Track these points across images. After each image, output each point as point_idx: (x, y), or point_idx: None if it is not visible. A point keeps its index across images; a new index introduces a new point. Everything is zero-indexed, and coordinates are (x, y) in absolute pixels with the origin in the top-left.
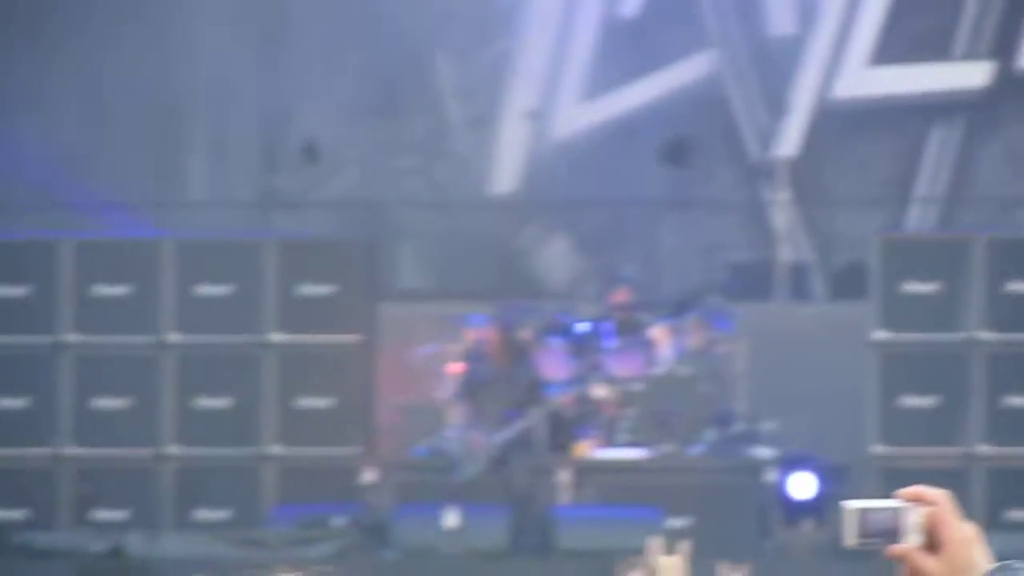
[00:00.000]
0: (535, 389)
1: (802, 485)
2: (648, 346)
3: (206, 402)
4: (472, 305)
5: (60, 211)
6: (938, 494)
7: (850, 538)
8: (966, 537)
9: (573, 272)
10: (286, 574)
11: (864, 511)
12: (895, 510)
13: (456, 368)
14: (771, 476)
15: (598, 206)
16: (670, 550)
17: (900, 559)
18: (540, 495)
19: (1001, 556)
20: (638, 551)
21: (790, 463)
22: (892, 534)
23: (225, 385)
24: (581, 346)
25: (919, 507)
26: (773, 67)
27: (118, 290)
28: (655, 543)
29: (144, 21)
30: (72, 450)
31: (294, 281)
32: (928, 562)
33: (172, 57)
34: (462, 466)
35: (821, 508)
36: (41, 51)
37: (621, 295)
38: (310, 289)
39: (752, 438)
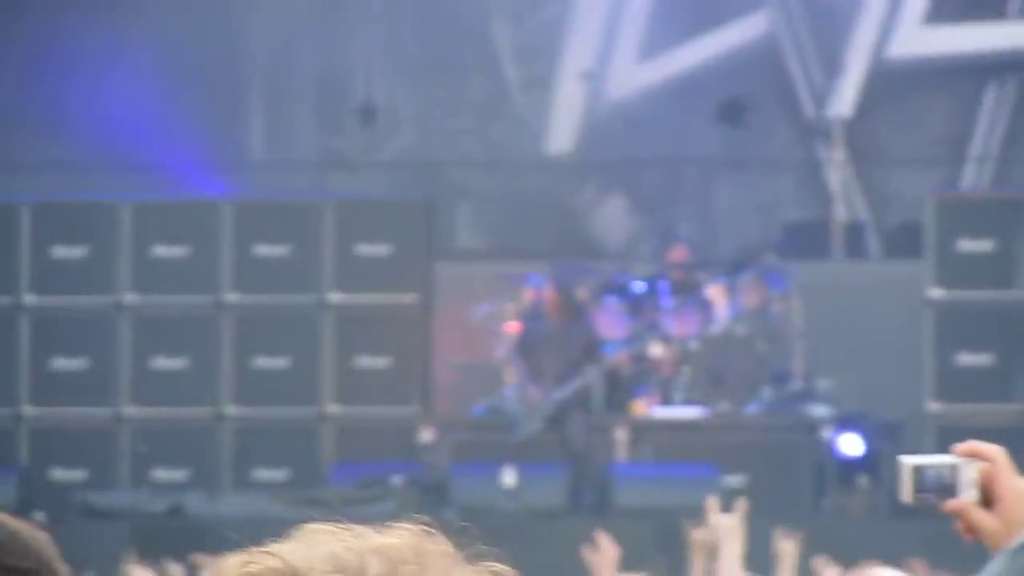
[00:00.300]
0: (592, 348)
1: (855, 443)
2: (704, 305)
3: (264, 362)
4: (529, 264)
5: (122, 173)
6: (994, 450)
7: (906, 494)
8: (1021, 492)
9: (629, 231)
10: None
11: (920, 467)
12: (951, 466)
13: (513, 327)
14: (827, 434)
15: (654, 166)
16: (727, 508)
17: (956, 514)
18: (597, 454)
19: None
20: (694, 509)
21: (846, 421)
22: (948, 489)
23: (283, 345)
24: (637, 305)
25: (975, 463)
26: (828, 26)
27: (176, 251)
28: (712, 502)
29: None
30: (131, 410)
31: (351, 241)
32: (984, 517)
33: (232, 20)
34: (519, 425)
35: (876, 466)
36: (114, 16)
37: (677, 254)
38: (367, 249)
39: (808, 396)
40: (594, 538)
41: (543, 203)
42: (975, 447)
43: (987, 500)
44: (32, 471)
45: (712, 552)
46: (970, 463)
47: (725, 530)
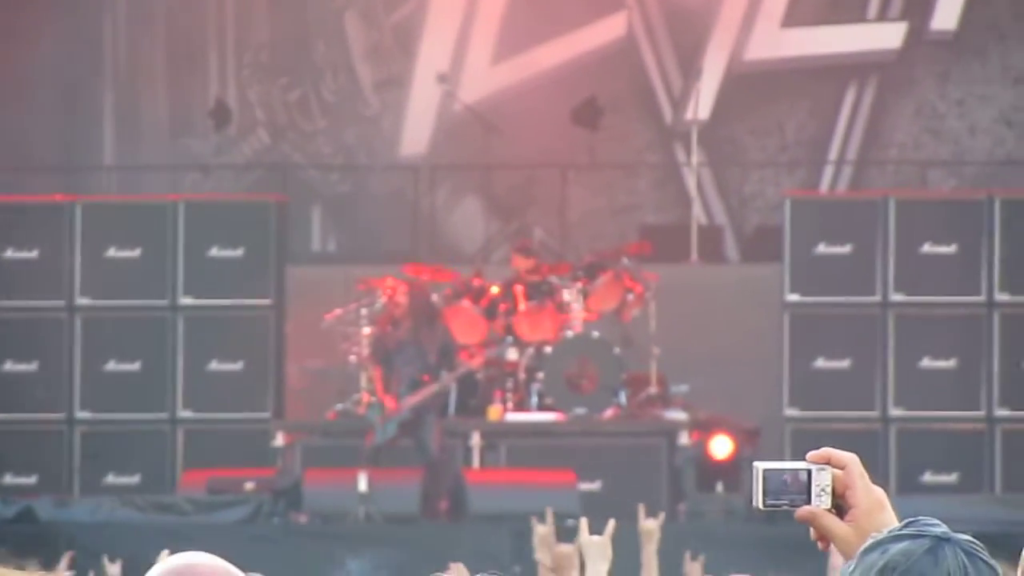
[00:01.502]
0: (446, 353)
1: (716, 448)
2: (560, 308)
3: (115, 366)
4: (383, 268)
5: None
6: (847, 457)
7: (759, 499)
8: (874, 500)
9: (484, 234)
10: None
11: (773, 473)
12: (804, 472)
13: (367, 331)
14: (684, 439)
15: (509, 168)
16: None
17: (808, 521)
18: (452, 459)
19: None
20: (550, 514)
21: (703, 425)
22: (801, 496)
23: (134, 349)
24: (492, 309)
25: (828, 469)
26: (686, 28)
27: (27, 254)
28: (584, 523)
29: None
30: None
31: (202, 244)
32: (836, 524)
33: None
34: (374, 430)
35: (735, 471)
36: None
37: (533, 257)
38: (218, 252)
39: (665, 401)
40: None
41: (397, 206)
42: (828, 454)
43: (840, 507)
44: None
45: (568, 569)
46: (823, 470)
47: (594, 551)
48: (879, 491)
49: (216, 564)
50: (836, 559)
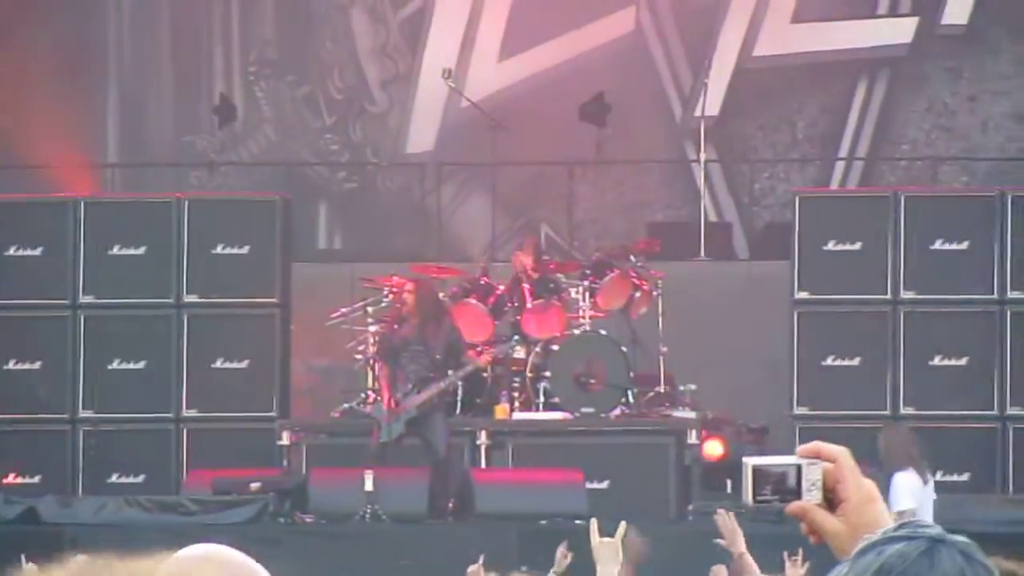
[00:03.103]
0: (454, 351)
1: (716, 447)
2: (567, 306)
3: (119, 365)
4: (389, 266)
5: None
6: (837, 451)
7: (749, 495)
8: (865, 494)
9: (491, 232)
10: None
11: (762, 468)
12: (795, 467)
13: (373, 330)
14: (693, 438)
15: (517, 165)
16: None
17: (799, 516)
18: (459, 458)
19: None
20: (556, 516)
21: (712, 424)
22: (791, 491)
23: (138, 348)
24: (499, 307)
25: (819, 464)
26: (695, 24)
27: (30, 252)
28: (594, 524)
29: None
30: None
31: (208, 242)
32: (828, 519)
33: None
34: (381, 429)
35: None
36: None
37: (542, 255)
38: (224, 249)
39: (673, 399)
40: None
41: (404, 203)
42: (818, 448)
43: (831, 502)
44: None
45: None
46: (814, 464)
47: (605, 552)
48: (870, 485)
49: (232, 555)
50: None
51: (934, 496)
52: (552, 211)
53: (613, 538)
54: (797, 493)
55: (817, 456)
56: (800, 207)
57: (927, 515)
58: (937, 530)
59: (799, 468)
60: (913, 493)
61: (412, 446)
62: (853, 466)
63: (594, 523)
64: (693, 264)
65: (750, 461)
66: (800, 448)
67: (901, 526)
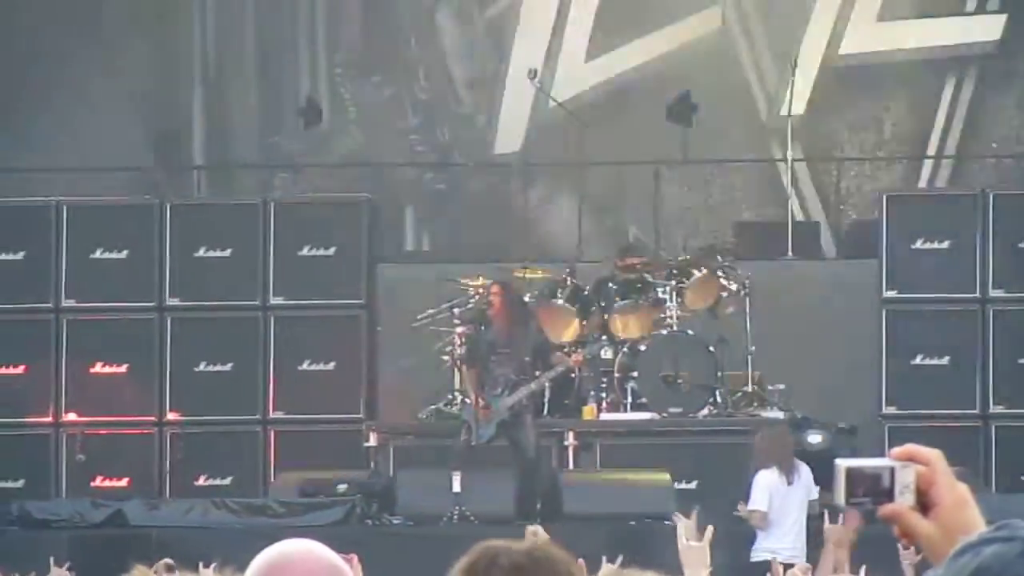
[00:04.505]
0: (541, 352)
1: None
2: (655, 306)
3: (206, 368)
4: (477, 267)
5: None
6: (931, 454)
7: (841, 497)
8: (958, 498)
9: (578, 232)
10: None
11: (856, 470)
12: (888, 469)
13: (460, 331)
14: None
15: (603, 166)
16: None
17: (892, 519)
18: (547, 459)
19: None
20: (647, 516)
21: (800, 425)
22: (884, 493)
23: (225, 350)
24: (587, 307)
25: (912, 467)
26: (781, 23)
27: (115, 255)
28: (682, 527)
29: None
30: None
31: (294, 243)
32: (920, 522)
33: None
34: (470, 430)
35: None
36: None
37: (628, 255)
38: (310, 251)
39: (761, 399)
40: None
41: (491, 204)
42: (912, 450)
43: (924, 505)
44: None
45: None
46: (907, 467)
47: (693, 557)
48: (963, 488)
49: (311, 549)
50: (908, 555)
51: (812, 497)
52: (639, 211)
53: (700, 542)
54: (890, 495)
55: (910, 459)
56: (887, 206)
57: (790, 515)
58: None
59: (892, 470)
60: (770, 492)
61: (500, 447)
62: (946, 469)
63: (681, 526)
64: (780, 263)
65: (843, 463)
66: (893, 451)
67: (999, 527)
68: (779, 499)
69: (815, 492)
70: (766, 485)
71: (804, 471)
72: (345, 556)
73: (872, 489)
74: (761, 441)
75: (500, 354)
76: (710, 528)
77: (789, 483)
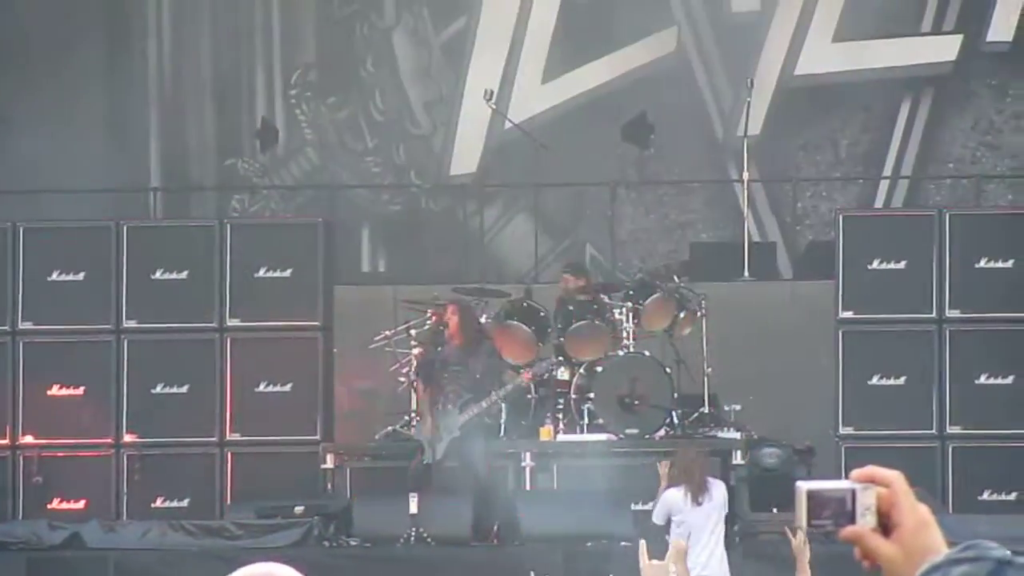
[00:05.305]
0: (496, 373)
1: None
2: (611, 327)
3: (162, 390)
4: (433, 288)
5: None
6: (891, 475)
7: (803, 520)
8: (920, 519)
9: (535, 253)
10: None
11: (817, 492)
12: (849, 491)
13: (416, 352)
14: (738, 458)
15: (559, 187)
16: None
17: (853, 541)
18: (502, 480)
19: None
20: (602, 536)
21: (756, 445)
22: (845, 516)
23: (181, 373)
24: (543, 329)
25: (873, 488)
26: (737, 44)
27: (73, 277)
28: (643, 546)
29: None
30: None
31: (249, 265)
32: (881, 544)
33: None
34: (424, 451)
35: (789, 490)
36: None
37: (584, 276)
38: (265, 273)
39: (718, 420)
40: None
41: (447, 226)
42: (873, 472)
43: (885, 527)
44: None
45: None
46: (868, 489)
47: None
48: (925, 509)
49: (289, 573)
50: None
51: (718, 515)
52: (595, 232)
53: (663, 560)
54: (851, 518)
55: (871, 480)
56: (844, 226)
57: (700, 535)
58: (1002, 551)
59: (853, 492)
60: (671, 511)
61: (456, 468)
62: (907, 490)
63: (643, 545)
64: (737, 284)
65: (804, 485)
66: (854, 472)
67: (966, 547)
68: (684, 517)
69: (725, 510)
70: (665, 502)
71: (717, 491)
72: None
73: (833, 511)
74: (675, 461)
75: (452, 372)
76: (672, 545)
77: (698, 503)
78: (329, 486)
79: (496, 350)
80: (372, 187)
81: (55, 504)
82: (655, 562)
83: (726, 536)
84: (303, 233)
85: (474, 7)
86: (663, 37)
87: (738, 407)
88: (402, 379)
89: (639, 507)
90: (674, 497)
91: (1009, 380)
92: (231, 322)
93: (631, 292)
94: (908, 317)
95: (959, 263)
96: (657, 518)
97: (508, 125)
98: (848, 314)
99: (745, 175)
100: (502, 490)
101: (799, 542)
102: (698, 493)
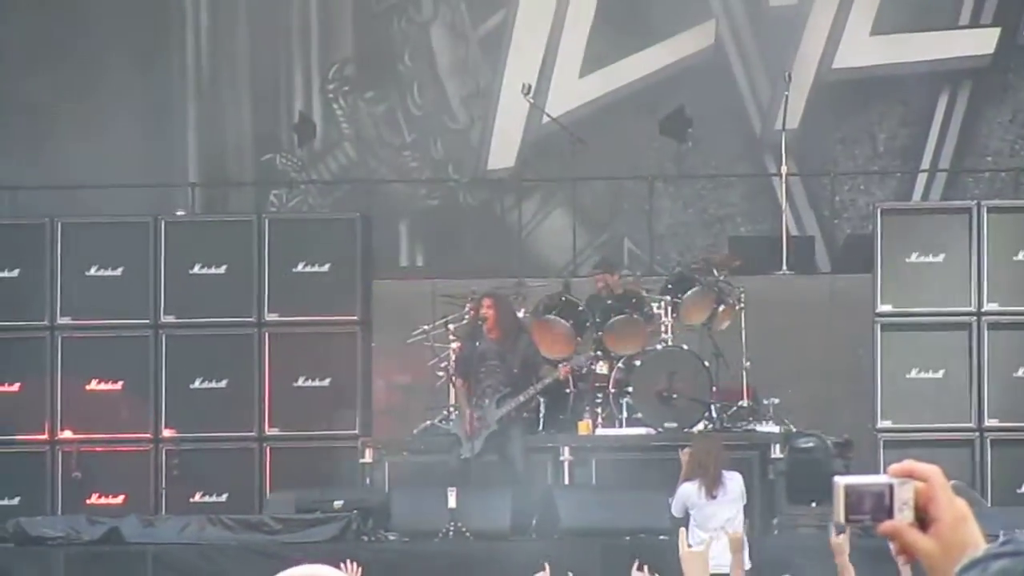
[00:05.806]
0: (534, 367)
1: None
2: (650, 321)
3: (201, 384)
4: (471, 282)
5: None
6: (929, 470)
7: (840, 514)
8: (957, 514)
9: (573, 247)
10: None
11: (854, 487)
12: (886, 486)
13: (455, 346)
14: (776, 452)
15: (597, 181)
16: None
17: (891, 535)
18: (541, 474)
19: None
20: (642, 531)
21: (795, 438)
22: (883, 510)
23: (220, 367)
24: (583, 322)
25: (910, 483)
26: (775, 38)
27: (111, 272)
28: (683, 533)
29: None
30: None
31: (288, 260)
32: (919, 538)
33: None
34: (463, 445)
35: (827, 484)
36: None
37: (622, 269)
38: (305, 268)
39: (756, 413)
40: (536, 560)
41: (485, 220)
42: (911, 467)
43: (923, 521)
44: None
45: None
46: (905, 483)
47: (692, 564)
48: (962, 504)
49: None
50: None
51: (735, 509)
52: (633, 226)
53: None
54: (889, 512)
55: (909, 475)
56: (882, 220)
57: (706, 528)
58: None
59: (891, 487)
60: (686, 505)
61: (494, 462)
62: (945, 485)
63: (682, 532)
64: (775, 278)
65: (842, 480)
66: (892, 467)
67: (1006, 542)
68: (698, 511)
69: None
70: (681, 496)
71: (732, 484)
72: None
73: (871, 506)
74: (691, 453)
75: (489, 365)
76: (708, 537)
77: (712, 496)
78: (368, 480)
79: (532, 344)
80: (410, 182)
81: (94, 499)
82: (694, 549)
83: (745, 528)
84: (341, 228)
85: (512, 1)
86: (701, 31)
87: (776, 401)
88: (440, 373)
89: None
90: (688, 491)
91: None
92: (269, 317)
93: (669, 286)
94: (946, 310)
95: (997, 256)
96: (675, 511)
97: (546, 119)
98: (886, 307)
99: (783, 169)
100: (540, 484)
101: (839, 540)
102: (712, 487)
